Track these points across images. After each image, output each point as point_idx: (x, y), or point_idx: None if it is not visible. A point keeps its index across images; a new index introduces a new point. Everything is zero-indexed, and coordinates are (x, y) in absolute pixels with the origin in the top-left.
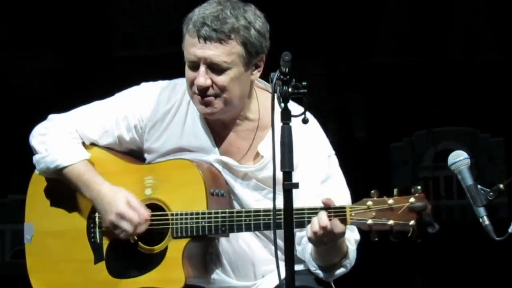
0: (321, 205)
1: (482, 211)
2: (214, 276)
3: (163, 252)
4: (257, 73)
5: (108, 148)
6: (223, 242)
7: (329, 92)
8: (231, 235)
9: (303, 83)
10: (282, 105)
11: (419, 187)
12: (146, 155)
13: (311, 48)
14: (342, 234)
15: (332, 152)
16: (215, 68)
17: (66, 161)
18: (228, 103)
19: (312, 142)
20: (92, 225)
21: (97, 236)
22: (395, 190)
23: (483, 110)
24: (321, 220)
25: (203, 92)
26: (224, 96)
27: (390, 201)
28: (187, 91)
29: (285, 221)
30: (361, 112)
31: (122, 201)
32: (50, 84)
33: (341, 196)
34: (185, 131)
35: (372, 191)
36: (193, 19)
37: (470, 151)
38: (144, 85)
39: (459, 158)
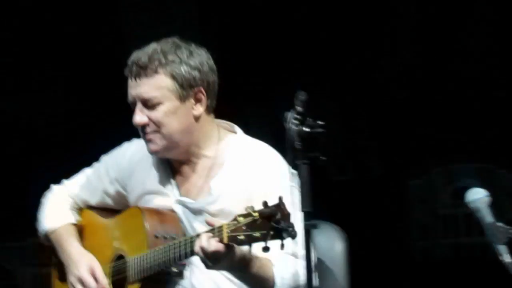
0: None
1: (502, 249)
2: None
3: None
4: (199, 107)
5: (100, 209)
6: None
7: (345, 131)
8: (197, 276)
9: (319, 122)
10: (300, 144)
11: (273, 205)
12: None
13: (325, 88)
14: (221, 253)
15: (292, 183)
16: (148, 104)
17: (49, 225)
18: (168, 138)
19: (271, 173)
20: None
21: None
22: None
23: (500, 146)
24: (199, 241)
25: (143, 130)
26: (162, 131)
27: (255, 214)
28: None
29: (307, 259)
30: (377, 151)
31: (85, 266)
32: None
33: None
34: (150, 175)
35: (246, 206)
36: (128, 61)
37: (488, 188)
38: (124, 143)
39: (478, 196)
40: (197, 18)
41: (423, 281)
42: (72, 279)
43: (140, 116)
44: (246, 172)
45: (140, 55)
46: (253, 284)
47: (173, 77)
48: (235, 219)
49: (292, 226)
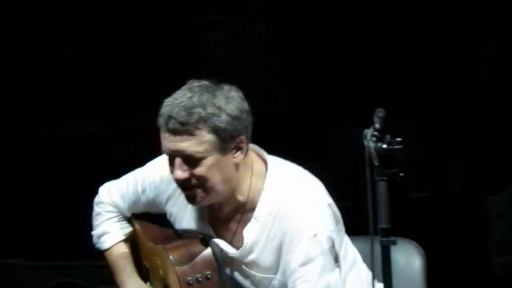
0: None
1: None
2: None
3: None
4: (240, 155)
5: (141, 222)
6: None
7: (423, 148)
8: None
9: (398, 139)
10: (378, 161)
11: None
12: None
13: (403, 104)
14: None
15: (324, 229)
16: (190, 159)
17: (102, 246)
18: (211, 191)
19: (300, 218)
20: None
21: None
22: None
23: None
24: None
25: (183, 184)
26: (206, 185)
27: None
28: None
29: (385, 280)
30: (456, 167)
31: None
32: (143, 145)
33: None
34: (185, 212)
35: None
36: (162, 112)
37: None
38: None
39: None
40: (274, 36)
41: None
42: None
43: (181, 172)
44: (277, 218)
45: (177, 109)
46: None
47: (215, 131)
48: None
49: None
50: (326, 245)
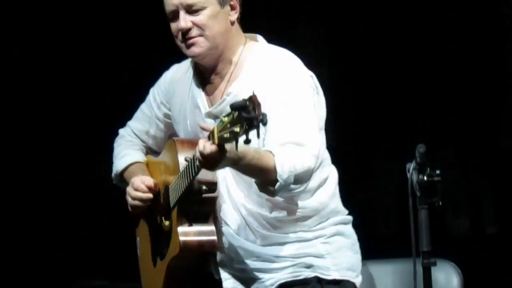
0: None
1: None
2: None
3: (170, 226)
4: (234, 14)
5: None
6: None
7: (461, 179)
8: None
9: (437, 171)
10: (420, 191)
11: (245, 99)
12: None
13: (442, 138)
14: (215, 154)
15: (307, 73)
16: (192, 9)
17: (121, 165)
18: (211, 39)
19: (287, 75)
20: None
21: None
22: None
23: None
24: (197, 147)
25: (186, 34)
26: (206, 33)
27: (235, 113)
28: (177, 44)
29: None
30: (489, 196)
31: (138, 177)
32: None
33: (298, 122)
34: (186, 90)
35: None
36: None
37: None
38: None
39: None
40: (326, 80)
41: None
42: (127, 189)
43: (185, 21)
44: (264, 75)
45: None
46: (258, 176)
47: None
48: (221, 120)
49: (263, 114)
50: (308, 83)
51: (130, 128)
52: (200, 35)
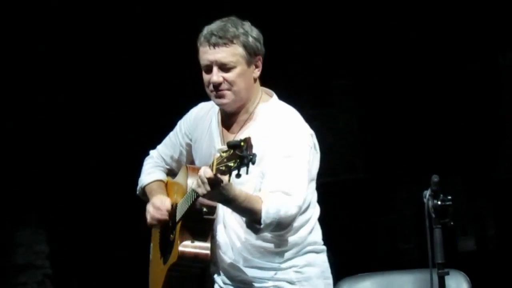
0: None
1: None
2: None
3: (173, 238)
4: (257, 72)
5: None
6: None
7: (466, 201)
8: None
9: (448, 197)
10: (434, 214)
11: (241, 140)
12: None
13: (451, 170)
14: (212, 180)
15: (307, 131)
16: (224, 67)
17: (146, 181)
18: (237, 94)
19: (289, 131)
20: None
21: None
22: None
23: None
24: (200, 172)
25: (217, 87)
26: (234, 88)
27: (231, 150)
28: (207, 91)
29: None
30: (491, 216)
31: (159, 198)
32: None
33: (295, 174)
34: (206, 126)
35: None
36: (203, 34)
37: None
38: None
39: None
40: (356, 124)
41: None
42: (147, 206)
43: (217, 76)
44: (271, 128)
45: (216, 28)
46: (246, 216)
47: (244, 46)
48: (220, 154)
49: (253, 155)
50: (306, 140)
51: (158, 151)
52: (228, 89)
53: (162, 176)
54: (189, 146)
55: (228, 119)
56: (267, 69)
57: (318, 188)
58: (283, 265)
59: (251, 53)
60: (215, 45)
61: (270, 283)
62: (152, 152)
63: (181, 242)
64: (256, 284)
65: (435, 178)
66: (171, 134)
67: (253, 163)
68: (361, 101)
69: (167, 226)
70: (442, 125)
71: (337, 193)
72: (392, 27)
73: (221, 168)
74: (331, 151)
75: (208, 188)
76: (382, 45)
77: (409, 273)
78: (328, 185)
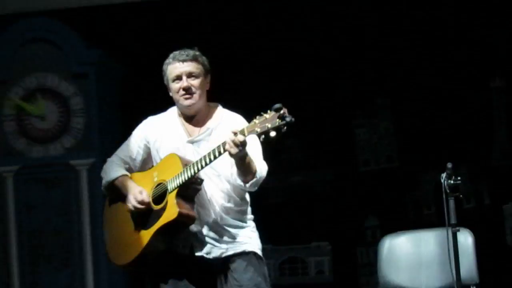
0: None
1: None
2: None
3: (165, 204)
4: (207, 85)
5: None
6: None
7: (469, 181)
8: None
9: (458, 178)
10: (448, 190)
11: (278, 105)
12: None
13: (458, 158)
14: (244, 142)
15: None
16: (191, 75)
17: (113, 176)
18: (200, 97)
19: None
20: (132, 212)
21: (135, 214)
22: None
23: None
24: (230, 137)
25: (187, 90)
26: (198, 92)
27: (266, 115)
28: (175, 98)
29: (455, 255)
30: (487, 191)
31: (138, 188)
32: None
33: (256, 152)
34: (167, 129)
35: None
36: (172, 56)
37: None
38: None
39: None
40: (393, 129)
41: None
42: (129, 197)
43: (187, 82)
44: (230, 122)
45: (181, 51)
46: (244, 170)
47: (202, 64)
48: (252, 121)
49: (291, 117)
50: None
51: (117, 155)
52: (194, 92)
53: (126, 172)
54: (145, 147)
55: (189, 120)
56: (328, 91)
57: (367, 174)
58: (243, 224)
59: (206, 70)
60: (184, 60)
61: (235, 240)
62: (109, 158)
63: (178, 204)
64: (224, 241)
65: (449, 165)
66: (126, 143)
67: (291, 125)
68: (395, 113)
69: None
70: (453, 128)
71: (380, 177)
72: (414, 59)
73: (256, 129)
74: (375, 148)
75: (241, 147)
76: (409, 73)
77: (431, 231)
78: (373, 172)
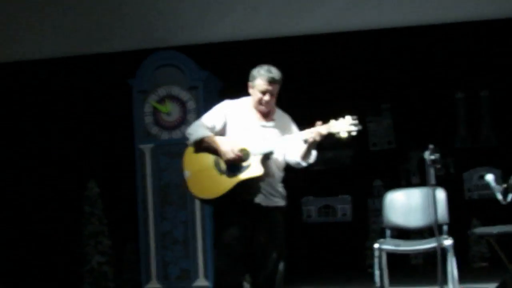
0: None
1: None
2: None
3: (250, 163)
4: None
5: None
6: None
7: (442, 157)
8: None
9: (437, 154)
10: (429, 163)
11: (353, 116)
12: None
13: (434, 142)
14: (324, 135)
15: None
16: (272, 94)
17: (204, 134)
18: (273, 106)
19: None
20: (216, 162)
21: (220, 164)
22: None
23: None
24: (317, 129)
25: (266, 104)
26: (272, 103)
27: (341, 120)
28: (254, 99)
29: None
30: (453, 163)
31: (231, 145)
32: None
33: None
34: (245, 112)
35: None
36: (265, 73)
37: None
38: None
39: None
40: None
41: None
42: (225, 148)
43: (268, 98)
44: (281, 116)
45: (274, 73)
46: (310, 153)
47: (280, 84)
48: (330, 122)
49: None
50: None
51: (202, 121)
52: (270, 104)
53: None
54: (224, 121)
55: (261, 113)
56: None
57: (378, 154)
58: (282, 186)
59: (280, 86)
60: (271, 83)
61: (280, 195)
62: (196, 122)
63: (262, 165)
64: (276, 193)
65: (431, 146)
66: (209, 115)
67: (359, 131)
68: (394, 114)
69: (235, 159)
70: (433, 124)
71: (381, 156)
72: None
73: (334, 130)
74: (380, 137)
75: (322, 138)
76: (404, 87)
77: (418, 189)
78: (379, 152)
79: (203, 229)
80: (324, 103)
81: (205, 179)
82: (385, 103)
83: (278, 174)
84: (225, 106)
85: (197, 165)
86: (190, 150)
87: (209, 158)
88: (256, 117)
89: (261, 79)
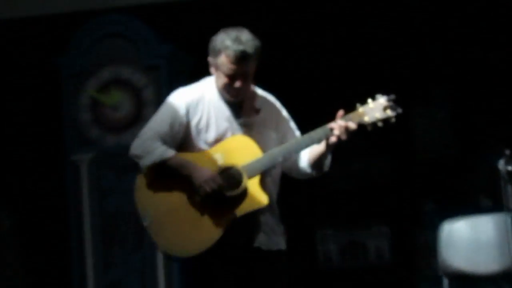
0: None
1: None
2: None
3: (245, 190)
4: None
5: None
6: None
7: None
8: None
9: None
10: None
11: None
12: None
13: None
14: (353, 129)
15: None
16: (244, 76)
17: (167, 155)
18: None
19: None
20: (189, 195)
21: (197, 197)
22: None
23: None
24: (342, 122)
25: (237, 91)
26: (246, 87)
27: (371, 103)
28: (219, 85)
29: None
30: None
31: (209, 171)
32: None
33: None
34: (215, 109)
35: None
36: (229, 48)
37: None
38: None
39: None
40: (449, 119)
41: None
42: (197, 181)
43: (239, 84)
44: (265, 101)
45: (242, 46)
46: (326, 158)
47: (257, 58)
48: (357, 108)
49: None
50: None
51: (155, 131)
52: (243, 90)
53: (175, 151)
54: (186, 125)
55: (234, 105)
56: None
57: (429, 164)
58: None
59: (257, 59)
60: (239, 63)
61: (281, 231)
62: (145, 134)
63: (264, 191)
64: (277, 229)
65: (507, 152)
66: (161, 118)
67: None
68: (453, 104)
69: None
70: (507, 119)
71: (434, 167)
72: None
73: (365, 119)
74: (432, 138)
75: (349, 135)
76: (469, 58)
77: (489, 216)
78: (431, 160)
79: (168, 281)
80: (340, 83)
81: (178, 226)
82: (439, 87)
83: (275, 192)
84: (183, 104)
85: (161, 205)
86: (142, 181)
87: (178, 190)
88: (232, 112)
89: (225, 55)
